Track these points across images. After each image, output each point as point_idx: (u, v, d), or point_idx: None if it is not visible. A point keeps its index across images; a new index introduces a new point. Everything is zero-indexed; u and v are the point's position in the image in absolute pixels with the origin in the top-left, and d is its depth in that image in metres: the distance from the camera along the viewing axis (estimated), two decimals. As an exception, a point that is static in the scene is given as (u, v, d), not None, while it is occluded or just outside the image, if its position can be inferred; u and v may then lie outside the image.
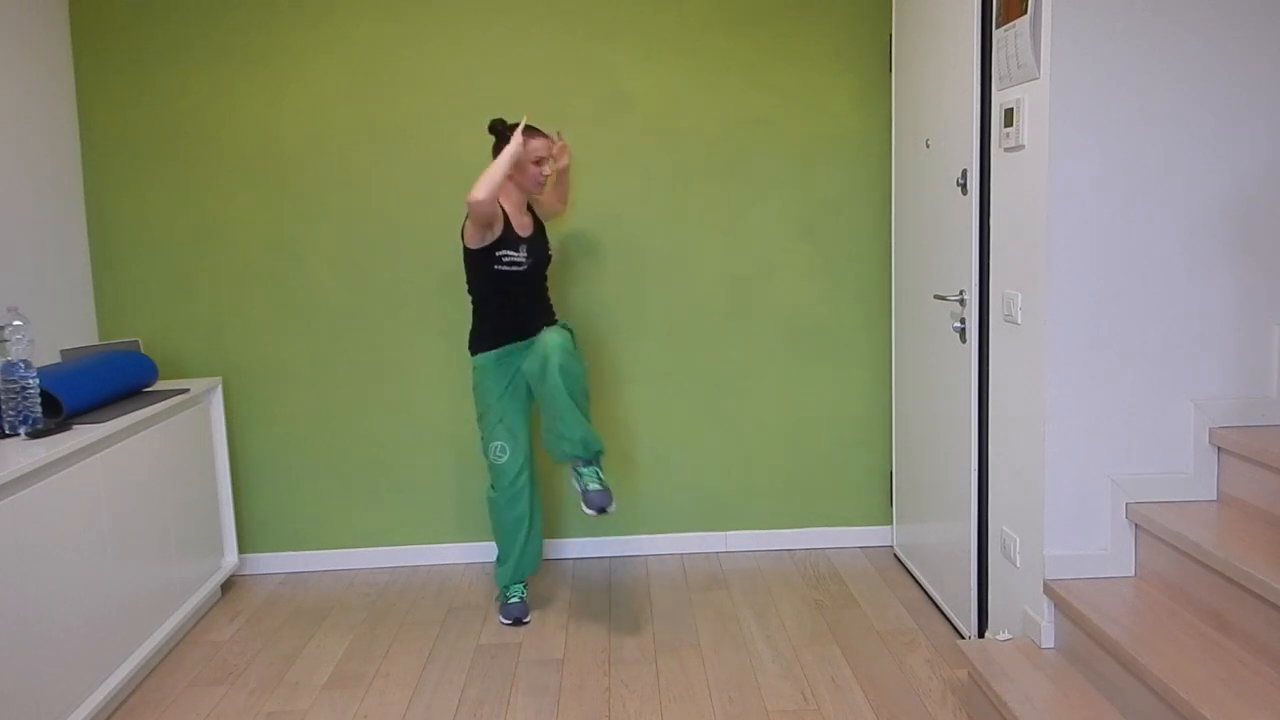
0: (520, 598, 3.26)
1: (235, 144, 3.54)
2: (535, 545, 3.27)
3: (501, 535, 3.24)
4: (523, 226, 3.11)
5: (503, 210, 3.04)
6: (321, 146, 3.55)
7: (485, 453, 3.19)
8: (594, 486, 2.97)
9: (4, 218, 3.08)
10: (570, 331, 3.18)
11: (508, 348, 3.14)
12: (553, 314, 3.29)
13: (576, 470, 3.04)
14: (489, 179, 2.86)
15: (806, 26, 3.56)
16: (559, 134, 3.24)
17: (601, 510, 2.95)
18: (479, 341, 3.17)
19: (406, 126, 3.56)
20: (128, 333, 3.60)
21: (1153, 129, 2.38)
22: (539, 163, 3.07)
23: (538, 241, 3.15)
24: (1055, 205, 2.38)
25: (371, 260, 3.61)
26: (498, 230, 3.01)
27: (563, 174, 3.29)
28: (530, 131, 3.06)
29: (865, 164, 3.62)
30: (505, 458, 3.15)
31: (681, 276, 3.66)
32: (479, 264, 3.06)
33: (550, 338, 2.96)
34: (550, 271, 3.34)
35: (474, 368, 3.18)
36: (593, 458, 3.03)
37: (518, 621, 3.21)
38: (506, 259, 3.05)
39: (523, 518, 3.21)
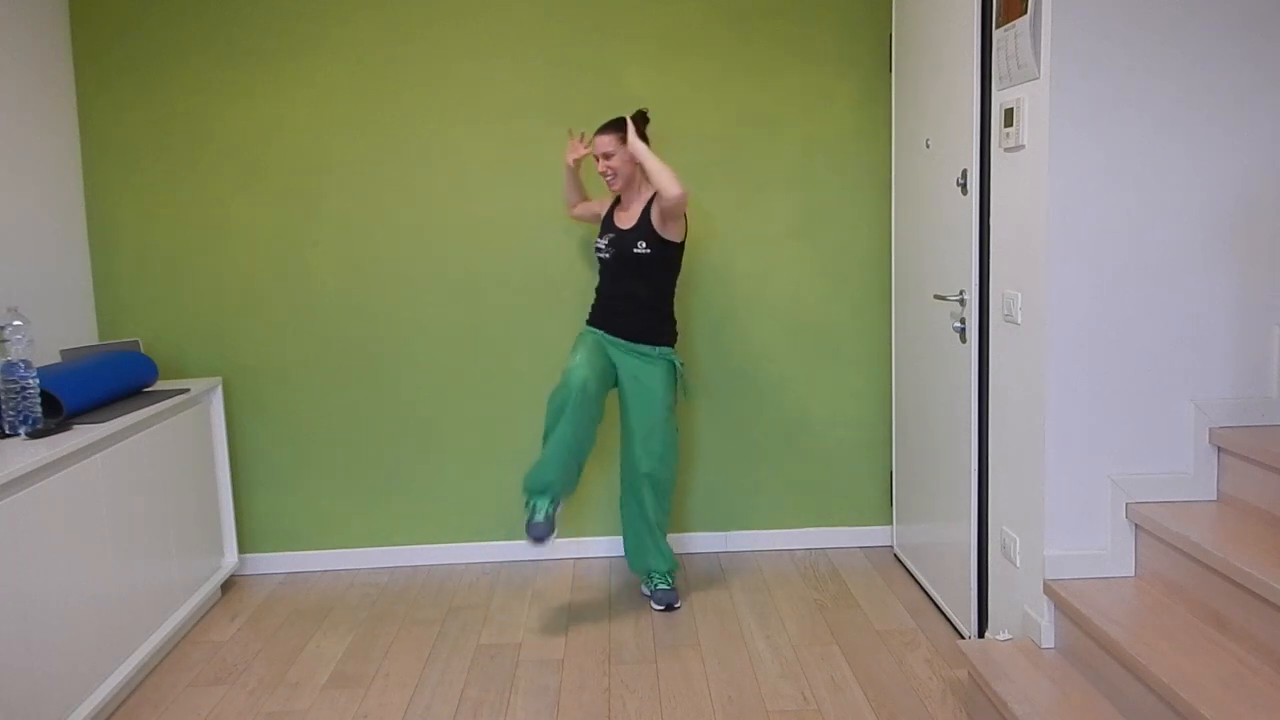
0: (545, 515, 2.97)
1: (235, 144, 3.54)
2: (575, 464, 3.04)
3: (547, 430, 3.07)
4: (625, 219, 3.16)
5: (615, 202, 3.25)
6: (321, 146, 3.55)
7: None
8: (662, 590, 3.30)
9: (4, 218, 3.08)
10: (673, 365, 3.21)
11: (600, 332, 3.21)
12: (648, 328, 3.16)
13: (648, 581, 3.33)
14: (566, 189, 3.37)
15: (807, 26, 3.56)
16: (569, 132, 3.25)
17: (540, 540, 2.98)
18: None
19: (407, 126, 3.55)
20: (128, 333, 3.60)
21: (1153, 129, 2.38)
22: (605, 157, 3.11)
23: (628, 236, 3.10)
24: (1055, 205, 2.38)
25: (372, 260, 3.61)
26: (599, 219, 3.32)
27: (627, 165, 3.10)
28: (601, 131, 3.12)
29: (865, 164, 3.62)
30: (574, 361, 3.05)
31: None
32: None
33: (650, 446, 3.16)
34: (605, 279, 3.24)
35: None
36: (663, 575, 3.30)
37: (538, 540, 2.96)
38: (597, 247, 3.23)
39: (569, 417, 2.98)
